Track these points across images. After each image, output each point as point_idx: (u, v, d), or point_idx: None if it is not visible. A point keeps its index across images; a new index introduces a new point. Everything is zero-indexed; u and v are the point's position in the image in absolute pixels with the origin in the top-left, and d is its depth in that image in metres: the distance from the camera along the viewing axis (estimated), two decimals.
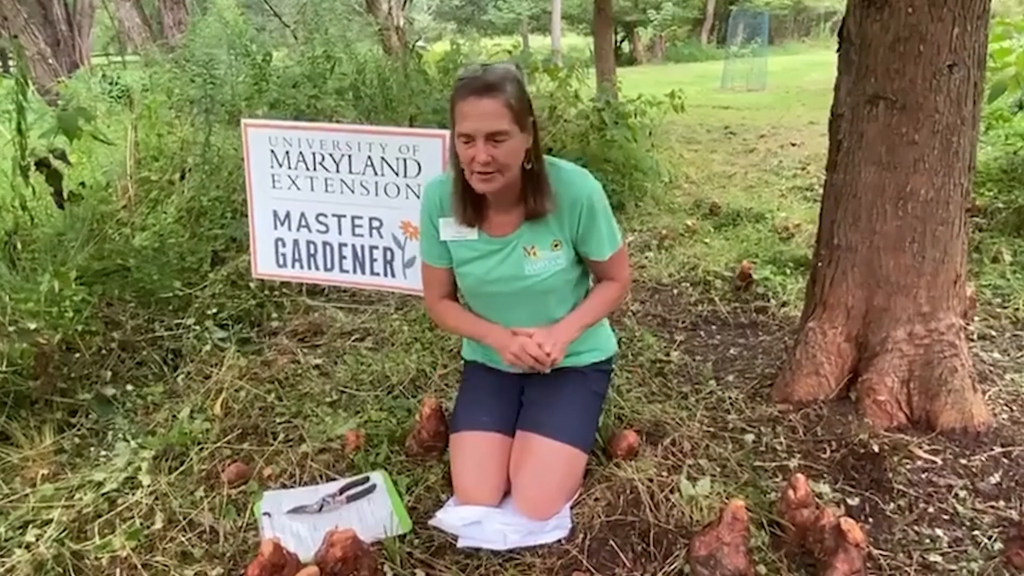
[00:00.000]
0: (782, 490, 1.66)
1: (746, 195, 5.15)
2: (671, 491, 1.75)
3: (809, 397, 2.12)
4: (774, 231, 4.09)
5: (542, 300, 1.78)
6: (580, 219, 1.69)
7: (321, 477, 1.93)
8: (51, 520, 1.74)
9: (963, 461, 1.87)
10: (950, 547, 1.59)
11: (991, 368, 2.37)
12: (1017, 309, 2.81)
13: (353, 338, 2.85)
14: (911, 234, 1.93)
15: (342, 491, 1.82)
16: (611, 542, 1.62)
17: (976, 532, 1.63)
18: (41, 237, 2.79)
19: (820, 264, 2.13)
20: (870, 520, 1.68)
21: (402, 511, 1.75)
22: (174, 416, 2.23)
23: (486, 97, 1.53)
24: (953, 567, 1.53)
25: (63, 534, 1.70)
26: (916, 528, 1.65)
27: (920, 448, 1.90)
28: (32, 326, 2.20)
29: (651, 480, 1.78)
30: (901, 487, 1.77)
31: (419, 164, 2.15)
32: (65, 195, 2.77)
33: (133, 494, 1.85)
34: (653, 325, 2.92)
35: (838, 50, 2.01)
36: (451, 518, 1.68)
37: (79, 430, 2.19)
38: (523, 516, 1.69)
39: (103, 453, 2.07)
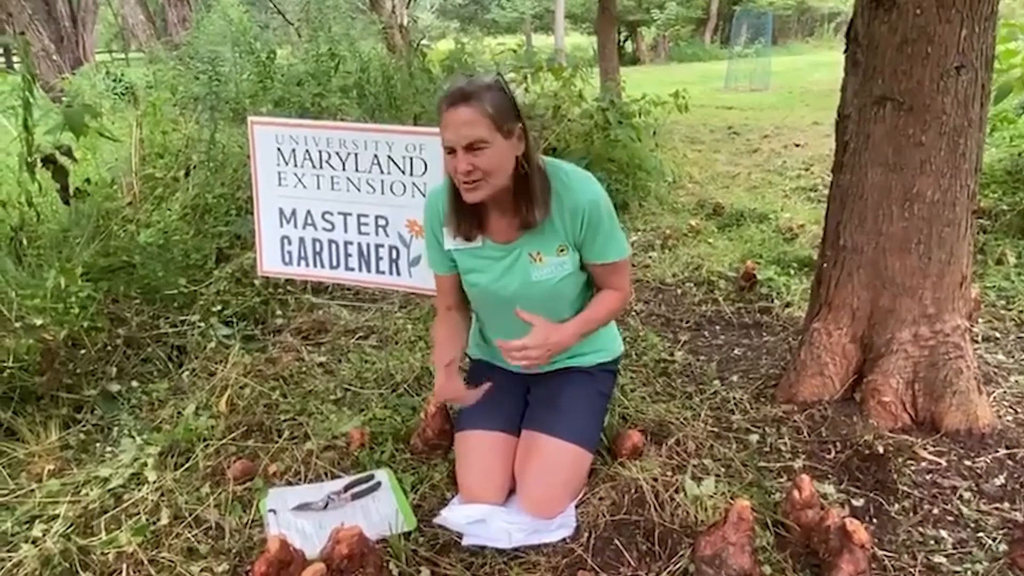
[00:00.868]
0: (787, 490, 1.66)
1: (750, 195, 5.15)
2: (676, 491, 1.76)
3: (814, 398, 2.12)
4: (778, 232, 4.09)
5: (551, 304, 1.78)
6: (582, 225, 1.68)
7: (326, 474, 1.94)
8: (57, 515, 1.75)
9: (968, 463, 1.87)
10: (955, 548, 1.59)
11: (995, 370, 2.37)
12: (1021, 311, 2.81)
13: (357, 336, 2.85)
14: (917, 235, 1.93)
15: (347, 488, 1.82)
16: (616, 541, 1.62)
17: (981, 534, 1.63)
18: (47, 233, 2.80)
19: (825, 265, 2.13)
20: (874, 521, 1.69)
21: (407, 509, 1.76)
22: (179, 413, 2.23)
23: (462, 106, 1.53)
24: (958, 569, 1.53)
25: (69, 529, 1.71)
26: (921, 529, 1.65)
27: (925, 449, 1.91)
28: (38, 322, 2.21)
29: (656, 480, 1.78)
30: (906, 488, 1.77)
31: (425, 163, 2.15)
32: (71, 192, 2.77)
33: (139, 490, 1.86)
34: (657, 325, 2.92)
35: (845, 51, 2.01)
36: (456, 516, 1.68)
37: (84, 426, 2.20)
38: (528, 515, 1.69)
39: (108, 449, 2.08)
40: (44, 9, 10.62)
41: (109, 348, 2.47)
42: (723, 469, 1.87)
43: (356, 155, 2.20)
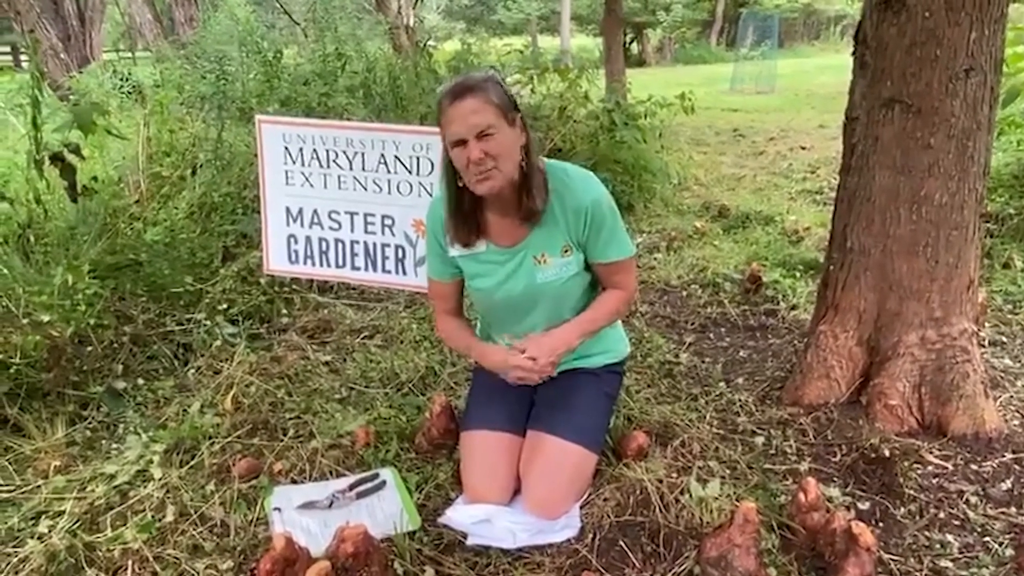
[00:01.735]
0: (792, 493, 1.66)
1: (755, 198, 5.14)
2: (681, 492, 1.75)
3: (820, 400, 2.11)
4: (783, 234, 4.08)
5: (555, 305, 1.78)
6: (586, 224, 1.69)
7: (331, 473, 1.94)
8: (63, 511, 1.76)
9: (974, 467, 1.86)
10: (961, 553, 1.59)
11: (1002, 374, 2.36)
12: None
13: (362, 335, 2.86)
14: (925, 239, 1.93)
15: (352, 487, 1.83)
16: (620, 542, 1.62)
17: (987, 538, 1.63)
18: (54, 231, 2.80)
19: (832, 267, 2.13)
20: (880, 524, 1.68)
21: (412, 508, 1.76)
22: (185, 410, 2.24)
23: (468, 97, 1.55)
24: (964, 573, 1.53)
25: (75, 525, 1.71)
26: (927, 533, 1.65)
27: (931, 453, 1.90)
28: (45, 319, 2.22)
29: (661, 481, 1.78)
30: (912, 492, 1.76)
31: (432, 162, 2.15)
32: (78, 189, 2.78)
33: (144, 487, 1.86)
34: (662, 326, 2.92)
35: (853, 53, 2.01)
36: (460, 516, 1.69)
37: (90, 423, 2.21)
38: (532, 515, 1.69)
39: (114, 446, 2.08)
40: (52, 8, 10.65)
41: (115, 345, 2.48)
42: (728, 471, 1.87)
43: (363, 154, 2.21)
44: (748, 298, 3.15)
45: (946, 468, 1.86)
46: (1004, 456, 1.90)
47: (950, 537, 1.63)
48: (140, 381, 2.41)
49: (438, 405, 1.96)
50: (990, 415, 1.98)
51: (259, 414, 2.21)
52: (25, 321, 2.19)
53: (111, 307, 2.56)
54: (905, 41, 1.82)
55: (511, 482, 1.78)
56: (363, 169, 2.22)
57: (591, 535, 1.65)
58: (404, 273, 2.30)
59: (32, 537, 1.67)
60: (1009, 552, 1.57)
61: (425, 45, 6.56)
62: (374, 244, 2.30)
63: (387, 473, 1.89)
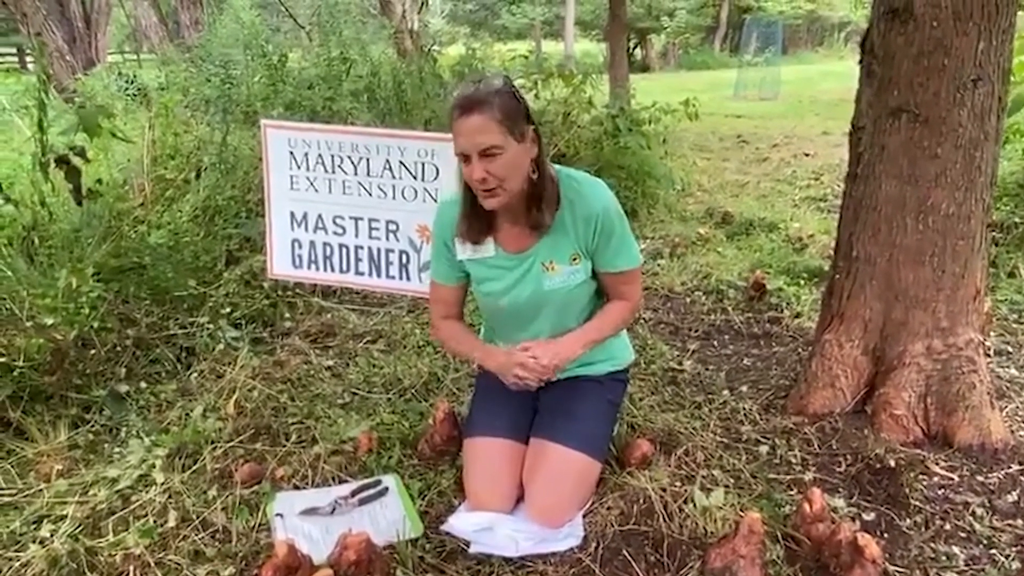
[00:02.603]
0: (797, 503, 1.65)
1: (759, 204, 5.13)
2: (685, 501, 1.74)
3: (824, 410, 2.10)
4: (787, 241, 4.08)
5: (561, 312, 1.77)
6: (595, 232, 1.68)
7: (333, 479, 1.93)
8: (65, 516, 1.75)
9: (980, 478, 1.85)
10: (967, 565, 1.58)
11: (1008, 384, 2.35)
12: None
13: (365, 340, 2.85)
14: (931, 248, 1.92)
15: (354, 494, 1.82)
16: (624, 552, 1.61)
17: (993, 551, 1.62)
18: (58, 233, 2.81)
19: (837, 276, 2.12)
20: (886, 536, 1.67)
21: (414, 515, 1.75)
22: (187, 414, 2.23)
23: (473, 114, 1.53)
24: None
25: (77, 530, 1.71)
26: (932, 545, 1.64)
27: (937, 464, 1.89)
28: (49, 322, 2.22)
29: (664, 490, 1.77)
30: (917, 503, 1.75)
31: (437, 168, 2.15)
32: (83, 192, 2.79)
33: (147, 492, 1.85)
34: (665, 333, 2.91)
35: (860, 62, 2.00)
36: (463, 523, 1.68)
37: (93, 426, 2.20)
38: (535, 523, 1.68)
39: (117, 450, 2.08)
40: (58, 10, 10.70)
41: (118, 349, 2.48)
42: (732, 480, 1.86)
43: (368, 160, 2.21)
44: (752, 305, 3.14)
45: (952, 479, 1.85)
46: (1010, 467, 1.88)
47: (956, 549, 1.62)
48: (143, 385, 2.41)
49: (441, 412, 1.96)
50: (996, 426, 1.97)
51: (261, 419, 2.21)
52: (29, 324, 2.19)
53: (114, 310, 2.56)
54: (913, 50, 1.81)
55: (514, 490, 1.77)
56: (368, 174, 2.22)
57: (594, 544, 1.64)
58: (408, 278, 2.30)
59: (34, 542, 1.66)
60: (1016, 565, 1.56)
61: (430, 50, 6.56)
62: (378, 249, 2.30)
63: (389, 480, 1.88)
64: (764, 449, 2.00)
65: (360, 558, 1.44)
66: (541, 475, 1.73)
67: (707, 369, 2.56)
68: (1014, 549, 1.61)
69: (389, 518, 1.74)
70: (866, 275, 2.03)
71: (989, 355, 2.54)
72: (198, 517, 1.76)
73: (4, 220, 2.78)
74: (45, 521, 1.74)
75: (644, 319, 3.04)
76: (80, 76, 7.23)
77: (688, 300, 3.29)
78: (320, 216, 2.32)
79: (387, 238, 2.27)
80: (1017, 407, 2.20)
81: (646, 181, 4.93)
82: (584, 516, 1.73)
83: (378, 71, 5.69)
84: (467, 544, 1.65)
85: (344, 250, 2.33)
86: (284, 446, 2.08)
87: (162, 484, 1.88)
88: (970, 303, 1.97)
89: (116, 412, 2.25)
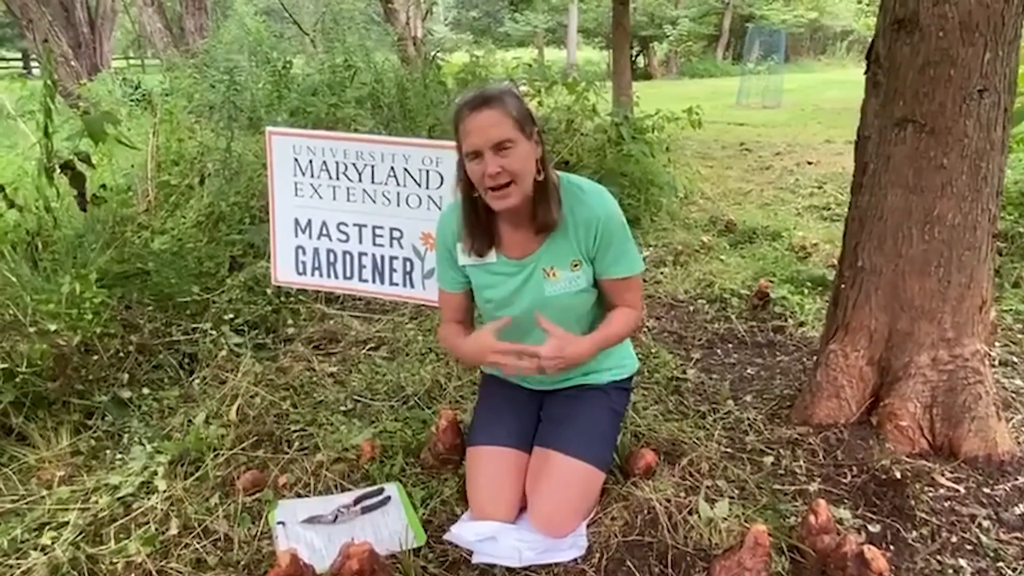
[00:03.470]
0: (803, 515, 1.64)
1: (762, 212, 5.13)
2: (689, 512, 1.73)
3: (829, 420, 2.09)
4: (791, 250, 4.07)
5: (562, 319, 1.77)
6: (596, 237, 1.68)
7: (336, 487, 1.93)
8: (67, 523, 1.74)
9: (987, 490, 1.84)
10: None
11: (1014, 395, 2.34)
12: None
13: (368, 347, 2.85)
14: (937, 259, 1.91)
15: (357, 502, 1.81)
16: (628, 563, 1.60)
17: (1000, 563, 1.60)
18: (62, 239, 2.81)
19: (843, 286, 2.11)
20: (892, 548, 1.66)
21: (417, 524, 1.74)
22: (189, 421, 2.23)
23: (486, 109, 1.55)
24: None
25: (79, 537, 1.70)
26: (939, 558, 1.62)
27: (943, 476, 1.88)
28: (52, 327, 2.22)
29: (669, 500, 1.76)
30: (924, 515, 1.74)
31: (441, 176, 2.15)
32: (88, 198, 2.79)
33: (148, 499, 1.85)
34: (669, 342, 2.90)
35: (866, 72, 2.00)
36: (466, 533, 1.67)
37: (95, 432, 2.20)
38: (539, 533, 1.67)
39: (119, 456, 2.07)
40: (63, 15, 10.76)
41: (121, 354, 2.47)
42: (737, 491, 1.85)
43: (373, 167, 2.21)
44: (755, 314, 3.13)
45: (958, 491, 1.83)
46: (1017, 479, 1.87)
47: (963, 562, 1.61)
48: (145, 391, 2.40)
49: (444, 420, 1.95)
50: (1002, 437, 1.95)
51: (264, 426, 2.20)
52: (32, 329, 2.19)
53: (117, 316, 2.55)
54: (918, 61, 1.81)
55: (517, 499, 1.76)
56: (372, 182, 2.22)
57: (598, 555, 1.63)
58: (412, 286, 2.29)
59: (35, 549, 1.66)
60: None
61: (434, 57, 6.58)
62: (382, 256, 2.29)
63: (392, 488, 1.88)
64: (769, 459, 1.99)
65: (363, 568, 1.43)
66: (545, 484, 1.72)
67: (711, 378, 2.55)
68: (1021, 562, 1.60)
69: (391, 527, 1.73)
70: (871, 285, 2.02)
71: (994, 366, 2.53)
72: (200, 525, 1.75)
73: (8, 225, 2.78)
74: (47, 528, 1.74)
75: (647, 327, 3.03)
76: (85, 81, 7.25)
77: (691, 308, 3.29)
78: (324, 223, 2.32)
79: (391, 245, 2.27)
80: (1023, 419, 2.18)
81: (649, 189, 4.93)
82: (588, 526, 1.72)
83: (382, 78, 5.70)
84: (470, 554, 1.64)
85: (348, 257, 2.33)
86: (287, 453, 2.07)
87: (164, 491, 1.87)
88: (976, 314, 1.96)
89: (118, 418, 2.25)
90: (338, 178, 2.25)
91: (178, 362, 2.59)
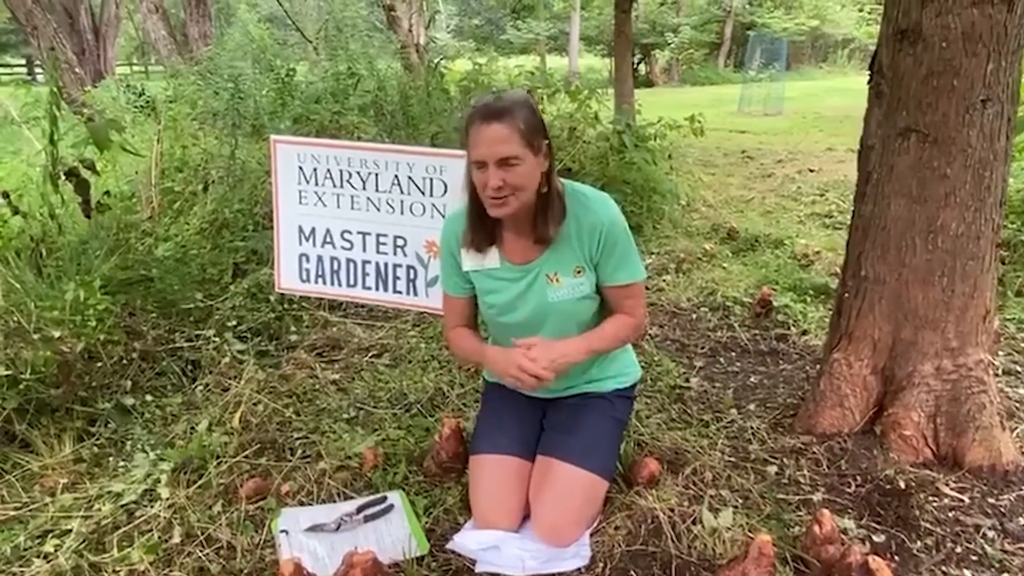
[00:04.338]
0: (807, 525, 1.63)
1: (764, 220, 5.13)
2: (693, 522, 1.73)
3: (833, 429, 2.09)
4: (793, 257, 4.07)
5: (564, 325, 1.77)
6: (599, 244, 1.69)
7: (339, 495, 1.92)
8: (70, 530, 1.74)
9: (991, 500, 1.83)
10: None
11: (1017, 405, 2.33)
12: None
13: (371, 354, 2.85)
14: (941, 268, 1.91)
15: (359, 510, 1.81)
16: (631, 573, 1.60)
17: (1005, 574, 1.60)
18: (66, 245, 2.82)
19: (846, 295, 2.11)
20: (896, 558, 1.65)
21: (420, 533, 1.74)
22: (192, 428, 2.23)
23: (496, 123, 1.55)
24: None
25: (82, 545, 1.70)
26: (944, 568, 1.62)
27: (947, 485, 1.87)
28: (56, 334, 2.22)
29: (672, 510, 1.76)
30: (928, 525, 1.73)
31: (445, 184, 2.16)
32: (92, 205, 2.80)
33: (151, 506, 1.85)
34: (672, 350, 2.90)
35: (869, 82, 2.01)
36: (468, 542, 1.67)
37: (98, 439, 2.20)
38: (542, 542, 1.67)
39: (122, 463, 2.07)
40: (67, 22, 10.82)
41: (124, 361, 2.48)
42: (741, 500, 1.84)
43: (377, 175, 2.22)
44: (758, 322, 3.13)
45: (963, 501, 1.83)
46: (1021, 489, 1.87)
47: (968, 573, 1.60)
48: (148, 397, 2.40)
49: (447, 428, 1.95)
50: (1007, 447, 1.95)
51: (267, 433, 2.20)
52: (36, 336, 2.19)
53: (121, 323, 2.56)
54: (922, 71, 1.82)
55: (520, 508, 1.76)
56: (376, 190, 2.23)
57: (601, 565, 1.63)
58: (415, 294, 2.30)
59: (38, 556, 1.66)
60: None
61: (437, 65, 6.60)
62: (386, 264, 2.30)
63: (395, 496, 1.87)
64: (772, 469, 1.98)
65: None
66: (548, 493, 1.72)
67: (714, 386, 2.55)
68: None
69: (394, 535, 1.73)
70: (875, 295, 2.02)
71: (998, 375, 2.52)
72: (203, 533, 1.75)
73: (13, 232, 2.79)
74: (50, 536, 1.74)
75: (650, 335, 3.03)
76: (89, 88, 7.28)
77: (694, 316, 3.28)
78: (328, 230, 2.33)
79: (395, 253, 2.27)
80: None
81: (651, 196, 4.93)
82: (591, 536, 1.72)
83: (385, 86, 5.72)
84: (473, 563, 1.64)
85: (352, 265, 2.33)
86: (289, 461, 2.07)
87: (167, 499, 1.87)
88: (980, 323, 1.96)
89: (121, 425, 2.25)
90: (342, 186, 2.26)
91: (181, 369, 2.59)
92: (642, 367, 2.59)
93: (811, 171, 7.23)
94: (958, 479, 1.90)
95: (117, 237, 2.86)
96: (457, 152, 2.29)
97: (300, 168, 2.28)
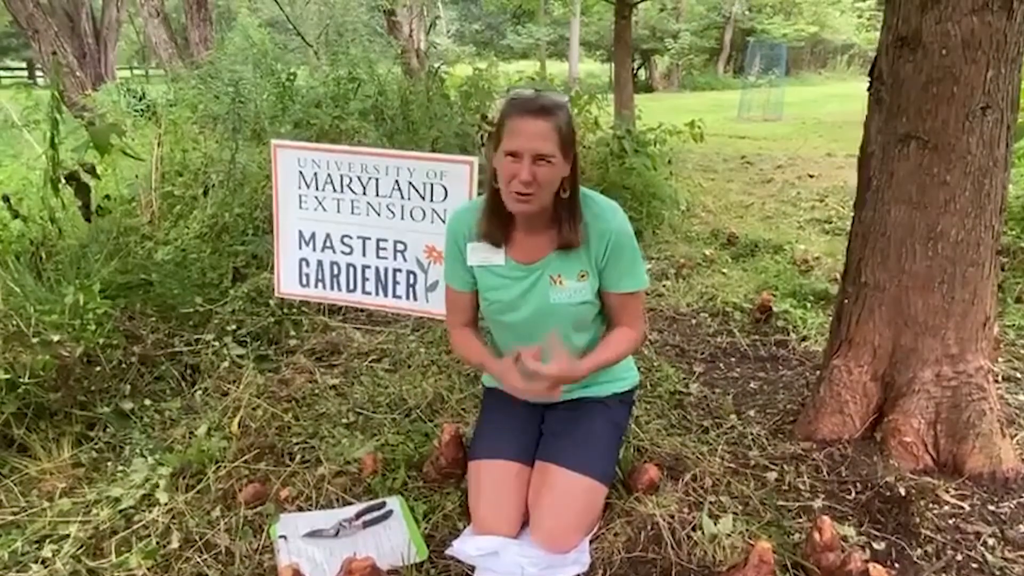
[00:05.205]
0: (807, 532, 1.63)
1: (764, 226, 5.14)
2: (693, 528, 1.73)
3: (833, 436, 2.09)
4: (793, 263, 4.07)
5: (563, 326, 1.77)
6: (606, 251, 1.70)
7: (338, 500, 1.92)
8: (68, 535, 1.74)
9: (991, 507, 1.83)
10: None
11: (1017, 412, 2.33)
12: None
13: (370, 359, 2.84)
14: (941, 275, 1.91)
15: (359, 516, 1.80)
16: None
17: None
18: (66, 249, 2.81)
19: (846, 301, 2.11)
20: (896, 566, 1.65)
21: (419, 538, 1.74)
22: (191, 433, 2.22)
23: (540, 119, 1.56)
24: None
25: (80, 550, 1.69)
26: None
27: (947, 492, 1.87)
28: (55, 338, 2.21)
29: (672, 516, 1.76)
30: (928, 532, 1.73)
31: (445, 189, 2.16)
32: (92, 208, 2.80)
33: (150, 512, 1.84)
34: (671, 356, 2.90)
35: (869, 89, 2.01)
36: (468, 548, 1.66)
37: (96, 444, 2.19)
38: (541, 548, 1.66)
39: (120, 468, 2.07)
40: (68, 26, 10.85)
41: (124, 365, 2.47)
42: (741, 507, 1.84)
43: (377, 180, 2.22)
44: (758, 328, 3.13)
45: (963, 508, 1.82)
46: (1022, 497, 1.86)
47: None
48: (147, 402, 2.40)
49: (447, 433, 1.94)
50: (1007, 454, 1.95)
51: (266, 438, 2.20)
52: (35, 340, 2.19)
53: (120, 327, 2.55)
54: (921, 78, 1.82)
55: (520, 513, 1.75)
56: (377, 195, 2.23)
57: (601, 571, 1.62)
58: (415, 299, 2.30)
59: (36, 562, 1.65)
60: None
61: (437, 70, 6.61)
62: (385, 269, 2.30)
63: (394, 502, 1.87)
64: (772, 475, 1.98)
65: None
66: (547, 499, 1.71)
67: (714, 392, 2.54)
68: None
69: (393, 541, 1.72)
70: (875, 301, 2.02)
71: (998, 382, 2.52)
72: (201, 538, 1.74)
73: (12, 235, 2.79)
74: (47, 541, 1.73)
75: (650, 341, 3.03)
76: (90, 92, 7.29)
77: (694, 322, 3.28)
78: (328, 235, 2.33)
79: (395, 258, 2.27)
80: None
81: (651, 202, 4.95)
82: (591, 542, 1.71)
83: (385, 90, 5.73)
84: (472, 569, 1.64)
85: (352, 269, 2.33)
86: (288, 466, 2.07)
87: (165, 504, 1.86)
88: (980, 330, 1.96)
89: (120, 429, 2.24)
90: (342, 191, 2.26)
91: (180, 373, 2.59)
92: (642, 372, 2.60)
93: (811, 177, 7.24)
94: (958, 486, 1.90)
95: (117, 241, 2.85)
96: (457, 158, 2.29)
97: (300, 173, 2.29)
